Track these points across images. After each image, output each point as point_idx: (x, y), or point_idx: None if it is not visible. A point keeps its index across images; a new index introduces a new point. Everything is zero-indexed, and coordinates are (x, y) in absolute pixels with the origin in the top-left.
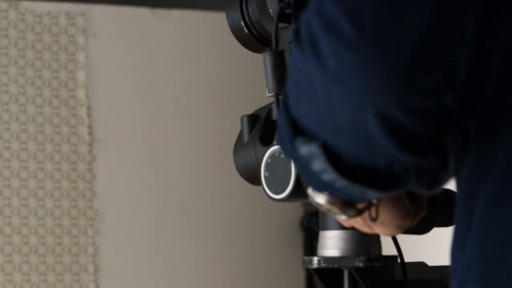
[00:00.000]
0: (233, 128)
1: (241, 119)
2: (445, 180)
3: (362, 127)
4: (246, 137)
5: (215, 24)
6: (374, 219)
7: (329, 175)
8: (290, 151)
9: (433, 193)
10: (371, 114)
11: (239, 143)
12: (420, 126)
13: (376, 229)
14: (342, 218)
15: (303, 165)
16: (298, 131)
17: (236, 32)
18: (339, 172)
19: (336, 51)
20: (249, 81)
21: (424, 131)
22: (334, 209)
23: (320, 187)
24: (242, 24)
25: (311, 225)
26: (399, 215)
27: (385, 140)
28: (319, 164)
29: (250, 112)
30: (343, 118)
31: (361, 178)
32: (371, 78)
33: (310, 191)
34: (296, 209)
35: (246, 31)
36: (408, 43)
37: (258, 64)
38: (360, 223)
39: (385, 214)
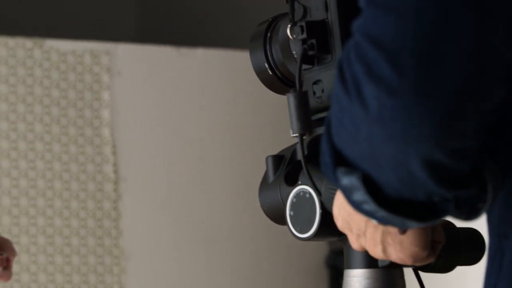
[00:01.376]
0: (256, 167)
1: (266, 159)
2: (483, 209)
3: (403, 166)
4: (271, 177)
5: (239, 63)
6: (403, 231)
7: (370, 206)
8: (332, 179)
9: (472, 221)
10: (413, 157)
11: (264, 183)
12: (460, 164)
13: (391, 250)
14: (373, 221)
15: (345, 194)
16: (340, 160)
17: (260, 74)
18: (379, 204)
19: (378, 95)
20: (272, 121)
21: (464, 167)
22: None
23: (362, 214)
24: (266, 66)
25: (337, 263)
26: (419, 242)
27: (426, 178)
28: (359, 196)
29: (273, 151)
30: (384, 157)
31: (401, 209)
32: (412, 124)
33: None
34: (321, 247)
35: (270, 73)
36: (447, 89)
37: (282, 104)
38: (376, 241)
39: (408, 234)
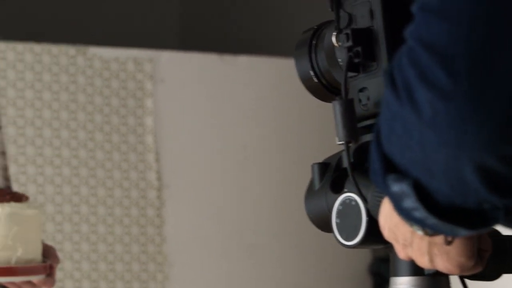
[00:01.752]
0: (301, 174)
1: (312, 167)
2: None
3: (455, 172)
4: (317, 185)
5: (282, 70)
6: (449, 243)
7: (420, 213)
8: (382, 186)
9: None
10: (466, 163)
11: (310, 191)
12: None
13: (438, 261)
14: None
15: (394, 201)
16: (390, 167)
17: (306, 81)
18: (430, 211)
19: (431, 100)
20: (317, 128)
21: None
22: (415, 227)
23: (411, 221)
24: (311, 73)
25: (380, 270)
26: (465, 252)
27: (478, 185)
28: (410, 203)
29: (318, 159)
30: (436, 163)
31: (451, 216)
32: (466, 130)
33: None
34: (364, 254)
35: (316, 80)
36: (503, 95)
37: (327, 111)
38: (422, 252)
39: (455, 244)
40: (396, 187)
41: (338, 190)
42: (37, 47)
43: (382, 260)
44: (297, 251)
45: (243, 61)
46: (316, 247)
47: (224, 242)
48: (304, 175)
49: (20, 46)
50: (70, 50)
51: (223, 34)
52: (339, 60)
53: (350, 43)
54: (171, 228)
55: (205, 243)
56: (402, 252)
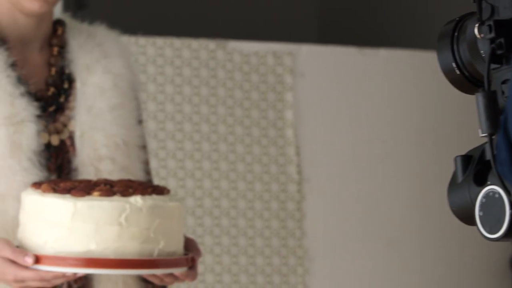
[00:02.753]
0: (442, 167)
1: (455, 159)
2: None
3: None
4: (460, 178)
5: (423, 63)
6: None
7: None
8: (509, 177)
9: None
10: None
11: (453, 184)
12: None
13: None
14: None
15: None
16: None
17: (448, 73)
18: None
19: None
20: (459, 120)
21: None
22: None
23: None
24: (454, 65)
25: None
26: None
27: None
28: None
29: (460, 151)
30: None
31: None
32: None
33: None
34: (506, 248)
35: (458, 72)
36: None
37: (469, 103)
38: None
39: None
40: None
41: (482, 183)
42: (177, 42)
43: None
44: (438, 244)
45: (383, 54)
46: (455, 239)
47: (364, 236)
48: (446, 168)
49: (160, 41)
50: (210, 44)
51: (362, 27)
52: (482, 51)
53: (492, 35)
54: (311, 222)
55: (345, 237)
56: None
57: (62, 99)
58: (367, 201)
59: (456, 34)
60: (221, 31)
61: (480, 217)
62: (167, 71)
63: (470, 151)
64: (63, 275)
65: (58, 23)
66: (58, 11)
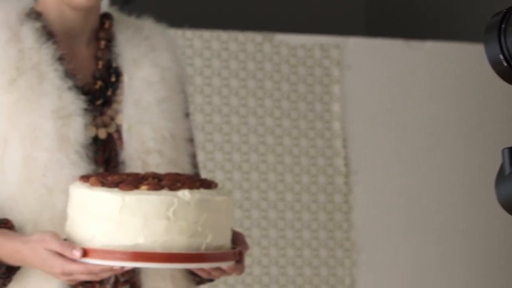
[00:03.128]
0: (490, 160)
1: (502, 151)
2: None
3: None
4: (507, 170)
5: (469, 56)
6: None
7: None
8: None
9: None
10: None
11: (500, 176)
12: None
13: None
14: None
15: None
16: None
17: (495, 65)
18: None
19: None
20: (504, 113)
21: None
22: None
23: None
24: (501, 57)
25: None
26: None
27: None
28: None
29: (507, 143)
30: None
31: None
32: None
33: None
34: None
35: (505, 64)
36: None
37: None
38: None
39: None
40: None
41: None
42: (224, 35)
43: None
44: (484, 237)
45: (430, 46)
46: (503, 233)
47: (411, 227)
48: (493, 160)
49: (207, 34)
50: (257, 37)
51: (409, 19)
52: None
53: None
54: (359, 214)
55: (393, 229)
56: None
57: (109, 93)
58: (413, 193)
59: (503, 26)
60: (268, 24)
61: None
62: (214, 64)
63: None
64: (111, 268)
65: (105, 16)
66: (105, 5)
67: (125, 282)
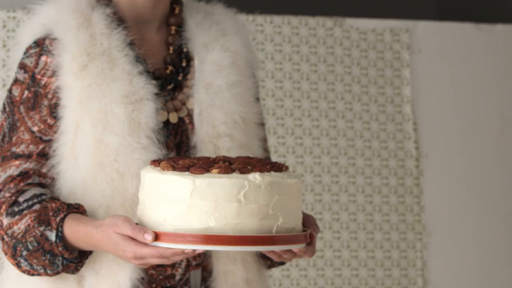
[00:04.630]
0: None
1: None
2: None
3: None
4: None
5: None
6: None
7: None
8: None
9: None
10: None
11: None
12: None
13: None
14: None
15: None
16: None
17: None
18: None
19: None
20: None
21: None
22: None
23: None
24: None
25: None
26: None
27: None
28: None
29: None
30: None
31: None
32: None
33: None
34: None
35: None
36: None
37: None
38: None
39: None
40: None
41: None
42: (294, 20)
43: None
44: None
45: (500, 29)
46: None
47: (481, 210)
48: None
49: (277, 19)
50: (327, 22)
51: (479, 2)
52: None
53: None
54: (430, 197)
55: (464, 212)
56: None
57: (180, 77)
58: (484, 175)
59: None
60: (338, 8)
61: None
62: (285, 49)
63: None
64: (182, 252)
65: (176, 2)
66: None
67: (197, 265)
